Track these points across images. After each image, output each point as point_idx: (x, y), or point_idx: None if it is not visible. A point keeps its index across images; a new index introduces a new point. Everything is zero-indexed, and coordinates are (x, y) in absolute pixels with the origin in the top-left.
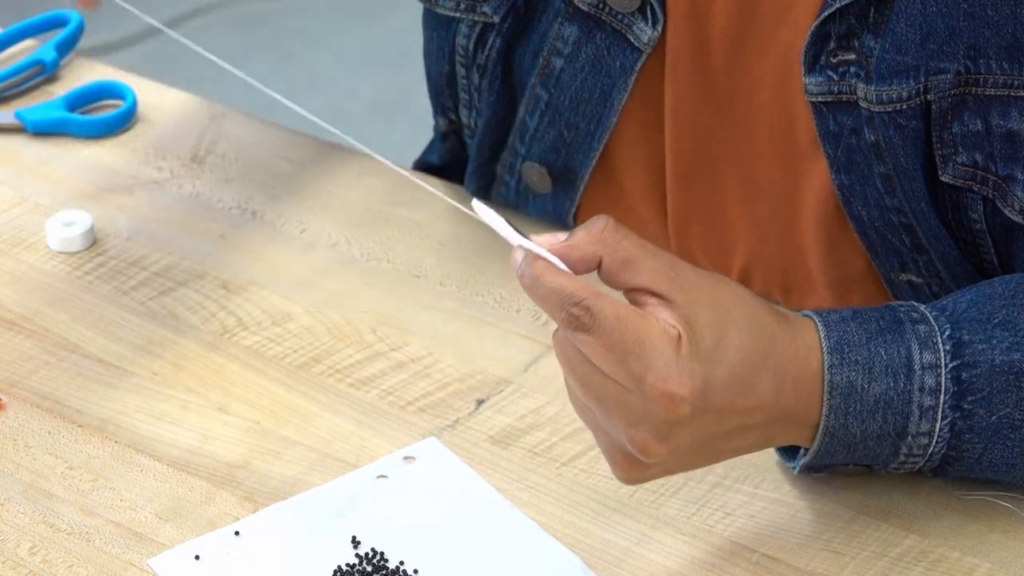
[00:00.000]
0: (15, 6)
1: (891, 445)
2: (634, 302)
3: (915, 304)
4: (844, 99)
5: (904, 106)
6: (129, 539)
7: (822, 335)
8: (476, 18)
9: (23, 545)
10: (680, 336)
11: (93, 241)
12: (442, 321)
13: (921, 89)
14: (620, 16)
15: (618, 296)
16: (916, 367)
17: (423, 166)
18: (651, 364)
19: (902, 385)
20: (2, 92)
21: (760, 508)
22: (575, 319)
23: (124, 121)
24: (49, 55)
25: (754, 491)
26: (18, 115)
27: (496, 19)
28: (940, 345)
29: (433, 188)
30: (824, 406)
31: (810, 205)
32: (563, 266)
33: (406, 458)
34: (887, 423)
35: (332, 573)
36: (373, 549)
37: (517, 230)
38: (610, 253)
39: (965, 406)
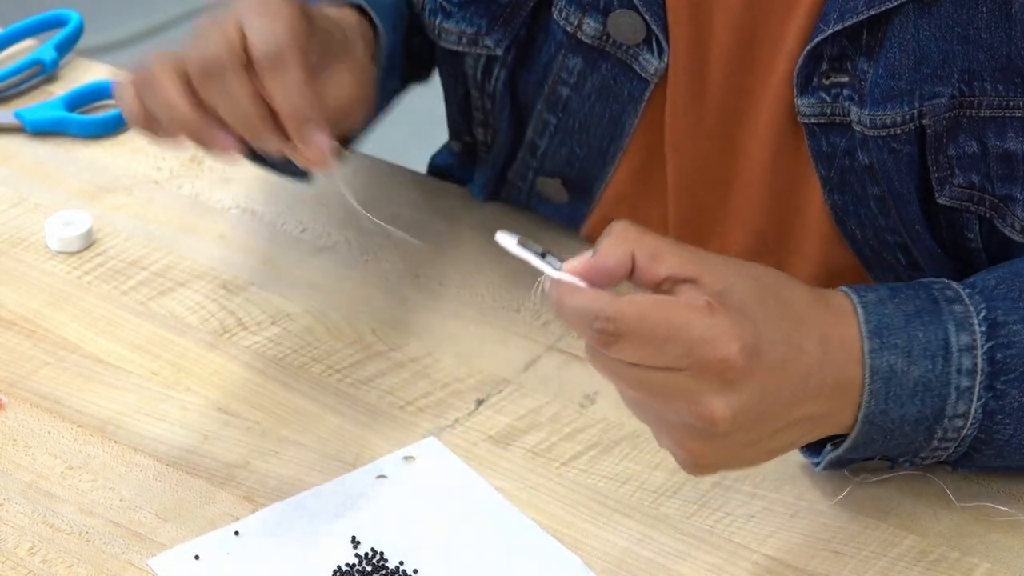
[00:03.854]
0: (15, 6)
1: (927, 430)
2: (665, 293)
3: (947, 282)
4: (837, 120)
5: (898, 131)
6: (129, 539)
7: (861, 318)
8: (479, 51)
9: (23, 545)
10: (708, 303)
11: (92, 241)
12: (441, 321)
13: (916, 114)
14: (625, 47)
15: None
16: (953, 349)
17: (433, 169)
18: (691, 339)
19: (940, 367)
20: (2, 92)
21: (760, 508)
22: (602, 333)
23: (123, 121)
24: (49, 55)
25: (754, 491)
26: (17, 115)
27: (499, 51)
28: (976, 326)
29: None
30: (864, 391)
31: (809, 223)
32: (582, 284)
33: (406, 458)
34: (925, 406)
35: (332, 573)
36: (373, 549)
37: (542, 254)
38: (639, 247)
39: (998, 386)
